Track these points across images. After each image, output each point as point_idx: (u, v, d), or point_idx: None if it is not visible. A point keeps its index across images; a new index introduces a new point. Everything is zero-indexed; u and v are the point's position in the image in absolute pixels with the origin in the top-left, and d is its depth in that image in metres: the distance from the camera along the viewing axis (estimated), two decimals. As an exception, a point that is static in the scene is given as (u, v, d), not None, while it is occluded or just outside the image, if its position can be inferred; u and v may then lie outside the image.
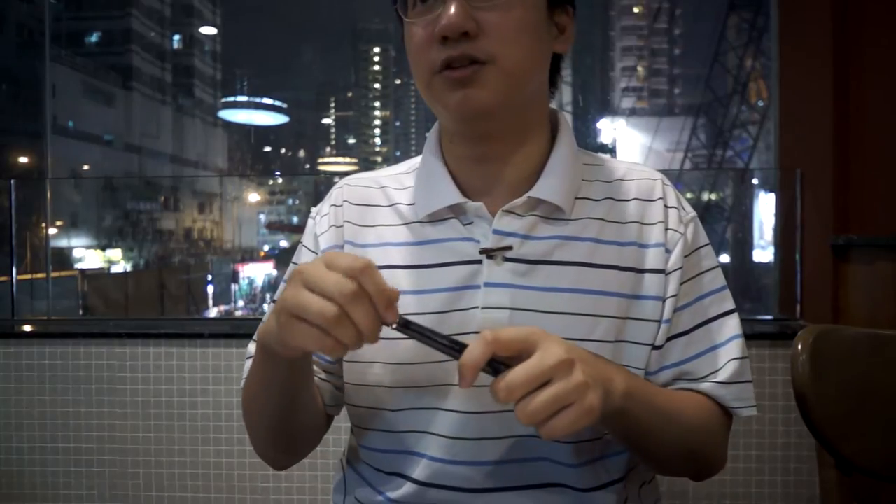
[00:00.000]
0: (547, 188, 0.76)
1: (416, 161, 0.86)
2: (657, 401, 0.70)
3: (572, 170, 0.78)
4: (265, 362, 0.70)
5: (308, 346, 0.58)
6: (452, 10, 0.70)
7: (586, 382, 0.58)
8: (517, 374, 0.57)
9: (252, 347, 0.81)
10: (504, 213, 0.76)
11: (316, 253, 0.83)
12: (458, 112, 0.73)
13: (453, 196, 0.77)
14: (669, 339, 0.77)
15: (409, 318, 0.61)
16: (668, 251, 0.77)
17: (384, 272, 0.78)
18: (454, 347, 0.59)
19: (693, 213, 0.81)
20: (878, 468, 0.98)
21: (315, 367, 0.80)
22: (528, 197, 0.76)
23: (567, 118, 0.83)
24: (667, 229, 0.78)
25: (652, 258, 0.77)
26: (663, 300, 0.76)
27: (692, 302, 0.78)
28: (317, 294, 0.57)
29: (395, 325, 0.59)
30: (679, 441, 0.73)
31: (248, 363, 0.80)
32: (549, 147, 0.80)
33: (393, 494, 0.76)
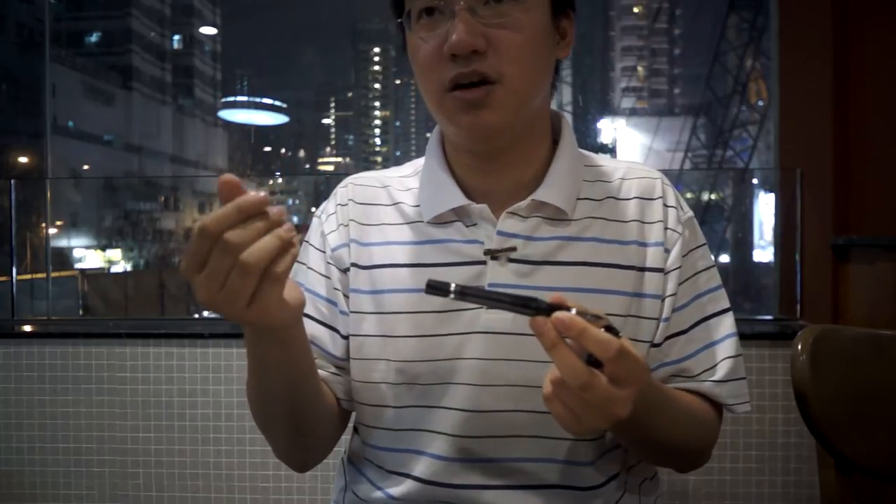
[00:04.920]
0: (549, 192, 0.77)
1: (419, 163, 0.86)
2: (658, 403, 0.70)
3: (574, 173, 0.79)
4: (253, 347, 0.68)
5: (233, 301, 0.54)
6: (462, 27, 0.69)
7: (620, 416, 0.57)
8: (594, 382, 0.55)
9: None
10: (508, 215, 0.77)
11: (323, 251, 0.83)
12: (469, 133, 0.74)
13: (457, 199, 0.78)
14: (668, 337, 0.77)
15: None
16: (668, 250, 0.78)
17: (387, 270, 0.78)
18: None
19: (690, 213, 0.82)
20: (879, 468, 0.98)
21: (323, 363, 0.80)
22: (532, 200, 0.76)
23: (567, 119, 0.84)
24: (666, 228, 0.79)
25: (652, 257, 0.77)
26: (662, 299, 0.77)
27: (690, 301, 0.78)
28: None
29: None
30: (672, 439, 0.73)
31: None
32: (550, 149, 0.81)
33: (395, 492, 0.76)
